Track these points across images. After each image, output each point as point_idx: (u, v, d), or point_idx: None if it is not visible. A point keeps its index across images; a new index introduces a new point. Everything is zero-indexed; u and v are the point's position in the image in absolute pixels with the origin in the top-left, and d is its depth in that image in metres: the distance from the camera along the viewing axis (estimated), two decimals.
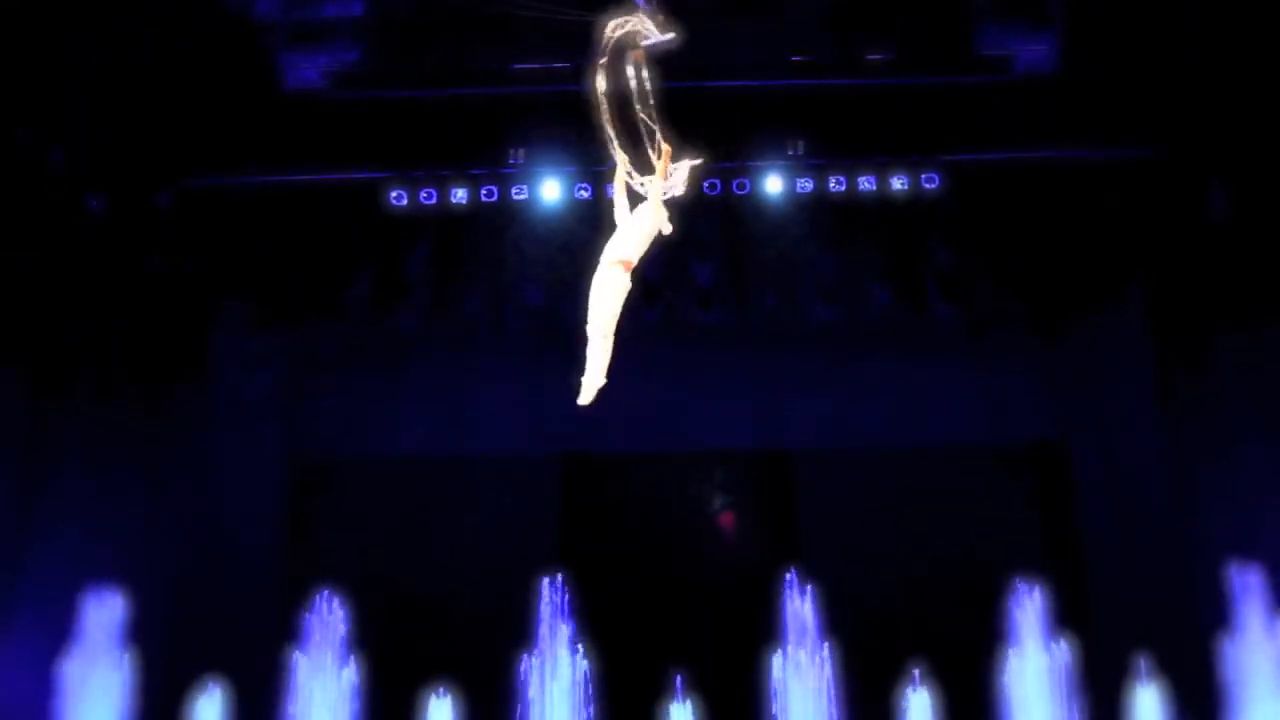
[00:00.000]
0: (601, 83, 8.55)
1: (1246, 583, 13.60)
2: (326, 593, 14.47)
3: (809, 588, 14.54)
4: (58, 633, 13.60)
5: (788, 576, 14.69)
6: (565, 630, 14.50)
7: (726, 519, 17.52)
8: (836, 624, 14.48)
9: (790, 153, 15.74)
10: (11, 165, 13.65)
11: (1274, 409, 14.44)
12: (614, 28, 8.63)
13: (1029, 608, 14.28)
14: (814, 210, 16.23)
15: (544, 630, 14.49)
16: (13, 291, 13.91)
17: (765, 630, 14.56)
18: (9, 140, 13.60)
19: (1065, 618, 14.36)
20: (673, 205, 8.88)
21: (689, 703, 14.71)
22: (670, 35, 8.73)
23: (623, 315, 16.28)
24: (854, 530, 16.50)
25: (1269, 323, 14.59)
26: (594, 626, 14.61)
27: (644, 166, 8.79)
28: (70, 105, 14.06)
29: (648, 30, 8.68)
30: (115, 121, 14.61)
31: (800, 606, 14.48)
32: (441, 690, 14.65)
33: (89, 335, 15.06)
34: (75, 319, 14.83)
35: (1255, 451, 14.63)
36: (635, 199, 8.87)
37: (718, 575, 16.69)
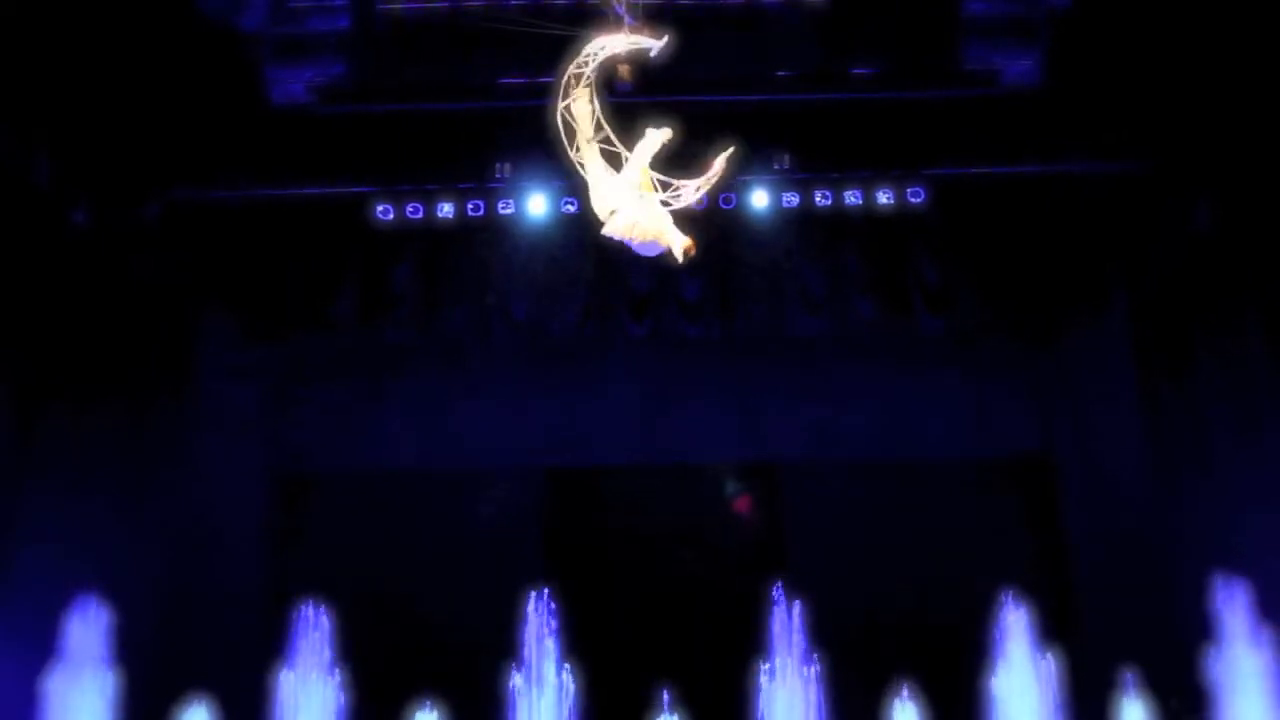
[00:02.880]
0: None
1: (1231, 594, 13.61)
2: (312, 606, 14.41)
3: (796, 600, 14.52)
4: (40, 648, 13.47)
5: (775, 589, 14.68)
6: (551, 644, 14.44)
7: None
8: (824, 636, 14.45)
9: (776, 167, 15.80)
10: None
11: (1256, 420, 14.48)
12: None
13: (1015, 620, 14.27)
14: (800, 224, 16.30)
15: (530, 644, 14.44)
16: None
17: (752, 643, 14.54)
18: None
19: (1052, 630, 14.35)
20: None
21: (676, 717, 14.67)
22: (655, 42, 8.76)
23: (610, 326, 16.44)
24: (841, 542, 16.54)
25: (1251, 334, 14.64)
26: (580, 640, 14.55)
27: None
28: (56, 117, 14.03)
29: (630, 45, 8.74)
30: (101, 134, 14.59)
31: (787, 619, 14.45)
32: (427, 705, 14.59)
33: (73, 346, 15.00)
34: (59, 330, 14.78)
35: (1238, 463, 14.67)
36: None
37: (704, 588, 16.68)
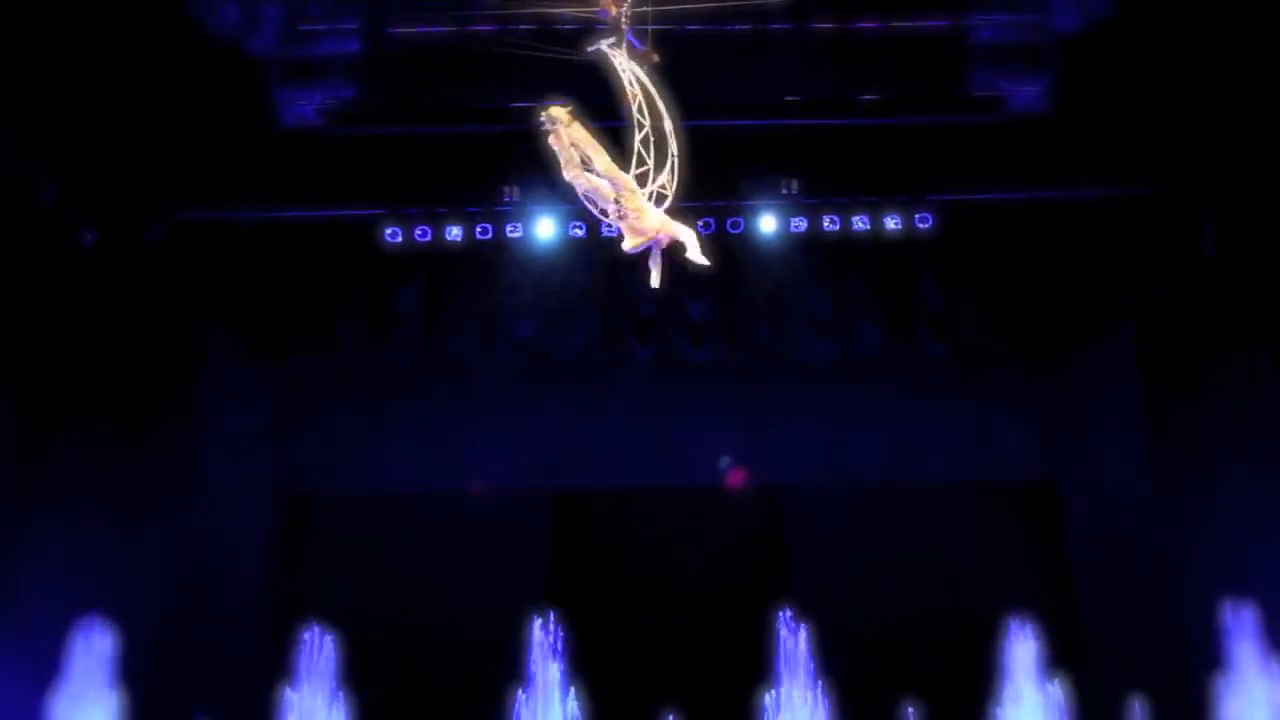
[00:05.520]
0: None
1: (1240, 621, 13.57)
2: (316, 629, 14.38)
3: (801, 624, 14.49)
4: (44, 669, 13.45)
5: (780, 613, 14.65)
6: (556, 667, 14.40)
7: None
8: (829, 661, 14.41)
9: (784, 192, 15.82)
10: (3, 198, 13.65)
11: (1264, 446, 14.46)
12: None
13: (1022, 646, 14.22)
14: (807, 249, 16.31)
15: (535, 667, 14.40)
16: (3, 322, 13.89)
17: (758, 667, 14.49)
18: (2, 173, 13.61)
19: (1059, 656, 14.31)
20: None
21: None
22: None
23: (616, 349, 16.39)
24: (845, 567, 16.55)
25: (1259, 360, 14.64)
26: (585, 663, 14.52)
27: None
28: (64, 137, 14.07)
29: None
30: (109, 154, 14.64)
31: (793, 643, 14.41)
32: None
33: (79, 366, 15.02)
34: (65, 350, 14.80)
35: (1246, 489, 14.64)
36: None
37: (709, 611, 16.65)
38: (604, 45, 8.79)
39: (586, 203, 8.79)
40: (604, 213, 8.67)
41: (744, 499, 17.49)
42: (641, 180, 8.68)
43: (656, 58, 9.28)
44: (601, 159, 8.44)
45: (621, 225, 8.58)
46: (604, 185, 8.48)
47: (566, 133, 8.43)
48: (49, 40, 13.19)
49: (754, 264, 16.43)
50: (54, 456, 14.76)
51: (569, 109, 8.49)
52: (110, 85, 13.93)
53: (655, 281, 8.56)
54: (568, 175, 8.51)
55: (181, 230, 15.80)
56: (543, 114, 8.47)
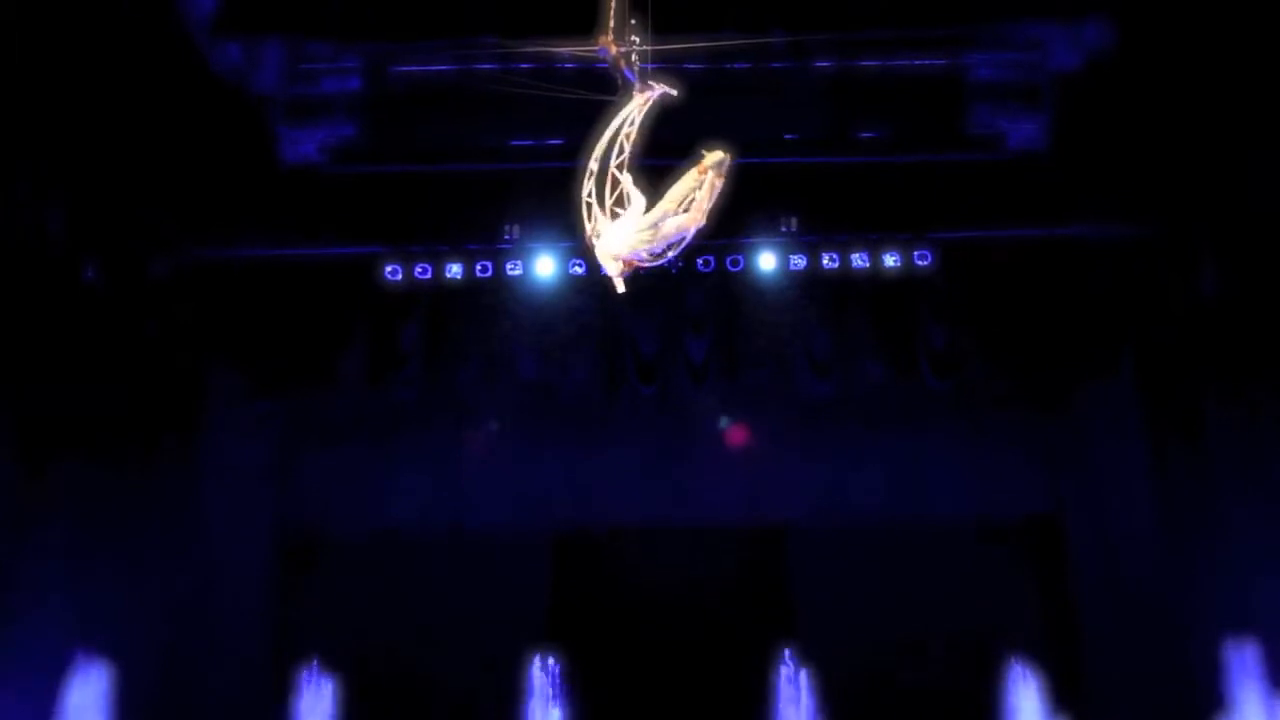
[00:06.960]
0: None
1: (1243, 660, 13.49)
2: (315, 667, 14.31)
3: (803, 664, 14.41)
4: (42, 708, 13.37)
5: (782, 653, 14.57)
6: (556, 709, 14.32)
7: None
8: (831, 701, 14.33)
9: (784, 230, 15.88)
10: (8, 233, 13.69)
11: (1268, 483, 14.41)
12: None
13: (1025, 685, 14.14)
14: (807, 286, 16.35)
15: (535, 708, 14.32)
16: (4, 357, 13.90)
17: (760, 708, 14.41)
18: (7, 208, 13.66)
19: (1062, 695, 14.23)
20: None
21: None
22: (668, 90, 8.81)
23: (618, 387, 16.41)
24: (848, 606, 16.44)
25: (1261, 396, 14.61)
26: (586, 703, 14.45)
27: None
28: (70, 174, 14.13)
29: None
30: (114, 191, 14.70)
31: (794, 683, 14.34)
32: None
33: (81, 403, 15.01)
34: (68, 386, 14.80)
35: (1249, 526, 14.58)
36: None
37: (710, 651, 16.55)
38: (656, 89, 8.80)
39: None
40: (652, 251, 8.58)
41: (746, 538, 17.45)
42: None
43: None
44: (702, 213, 8.43)
45: (623, 255, 8.53)
46: (680, 231, 8.48)
47: (712, 178, 8.42)
48: (56, 78, 13.27)
49: (754, 302, 16.47)
50: (54, 491, 14.71)
51: (728, 161, 8.41)
52: (116, 123, 14.00)
53: (620, 286, 8.52)
54: (670, 206, 8.42)
55: (184, 267, 15.85)
56: (711, 153, 8.40)
